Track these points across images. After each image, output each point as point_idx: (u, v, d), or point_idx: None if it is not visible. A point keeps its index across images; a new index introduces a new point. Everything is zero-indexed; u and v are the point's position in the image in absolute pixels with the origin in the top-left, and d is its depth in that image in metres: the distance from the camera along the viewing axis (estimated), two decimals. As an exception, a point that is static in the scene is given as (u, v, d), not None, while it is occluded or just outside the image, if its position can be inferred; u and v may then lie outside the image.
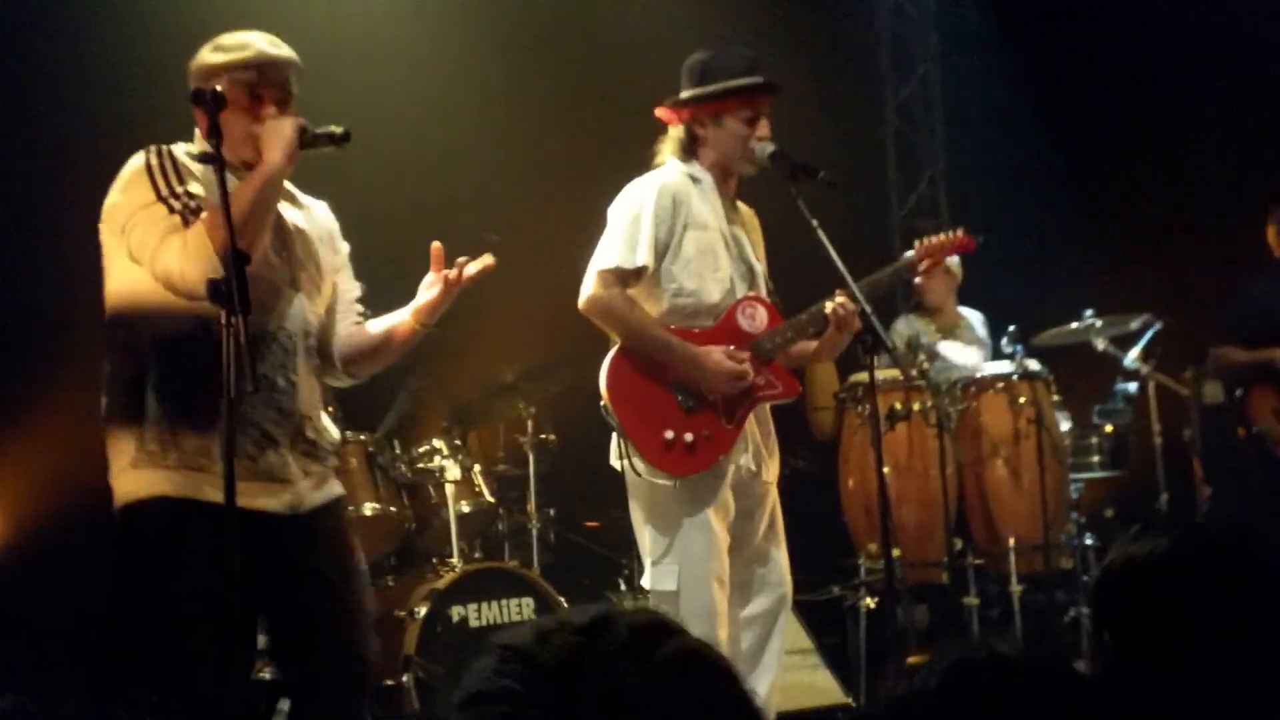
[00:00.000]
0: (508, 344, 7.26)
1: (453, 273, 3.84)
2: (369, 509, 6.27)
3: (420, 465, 6.49)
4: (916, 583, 7.27)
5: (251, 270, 3.29)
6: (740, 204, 4.94)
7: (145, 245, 3.48)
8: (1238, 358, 6.87)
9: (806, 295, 4.80)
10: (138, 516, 3.59)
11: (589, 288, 4.66)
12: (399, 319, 3.93)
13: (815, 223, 4.56)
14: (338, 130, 3.61)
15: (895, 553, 6.68)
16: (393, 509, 6.35)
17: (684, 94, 4.76)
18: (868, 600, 7.01)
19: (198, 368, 3.46)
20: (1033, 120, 9.16)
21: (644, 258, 4.62)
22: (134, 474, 3.59)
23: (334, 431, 3.88)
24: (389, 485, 6.38)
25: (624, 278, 4.65)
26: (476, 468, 6.60)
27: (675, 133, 4.80)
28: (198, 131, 3.71)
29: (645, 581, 4.70)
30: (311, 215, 3.95)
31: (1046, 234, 8.92)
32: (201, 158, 3.52)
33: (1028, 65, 9.03)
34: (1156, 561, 2.16)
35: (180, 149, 3.66)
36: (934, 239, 4.97)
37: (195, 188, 3.55)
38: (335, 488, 3.83)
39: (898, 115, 10.26)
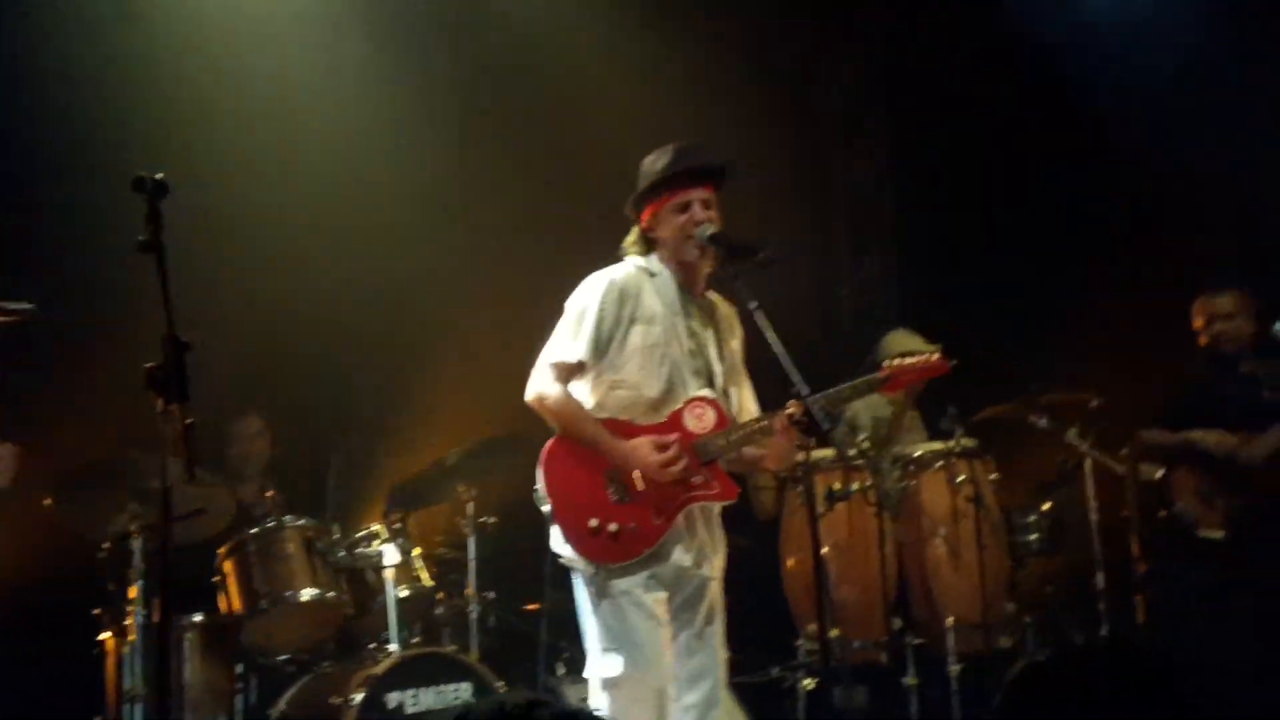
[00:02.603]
0: (450, 427, 7.24)
1: None
2: (306, 595, 6.21)
3: (359, 550, 6.43)
4: (857, 663, 7.25)
5: None
6: (717, 299, 4.95)
7: None
8: (1161, 439, 7.00)
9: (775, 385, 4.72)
10: None
11: (532, 380, 4.77)
12: None
13: (755, 305, 4.55)
14: None
15: (834, 633, 6.70)
16: (330, 594, 6.28)
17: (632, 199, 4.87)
18: (807, 681, 7.00)
19: None
20: (981, 194, 9.27)
21: (581, 352, 4.69)
22: None
23: None
24: (327, 570, 6.32)
25: (565, 371, 4.72)
26: (416, 551, 6.56)
27: (634, 233, 4.87)
28: None
29: (588, 670, 4.68)
30: None
31: (989, 311, 8.98)
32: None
33: (976, 139, 9.14)
34: (1043, 668, 2.50)
35: None
36: (906, 361, 4.85)
37: None
38: None
39: (847, 188, 10.29)
